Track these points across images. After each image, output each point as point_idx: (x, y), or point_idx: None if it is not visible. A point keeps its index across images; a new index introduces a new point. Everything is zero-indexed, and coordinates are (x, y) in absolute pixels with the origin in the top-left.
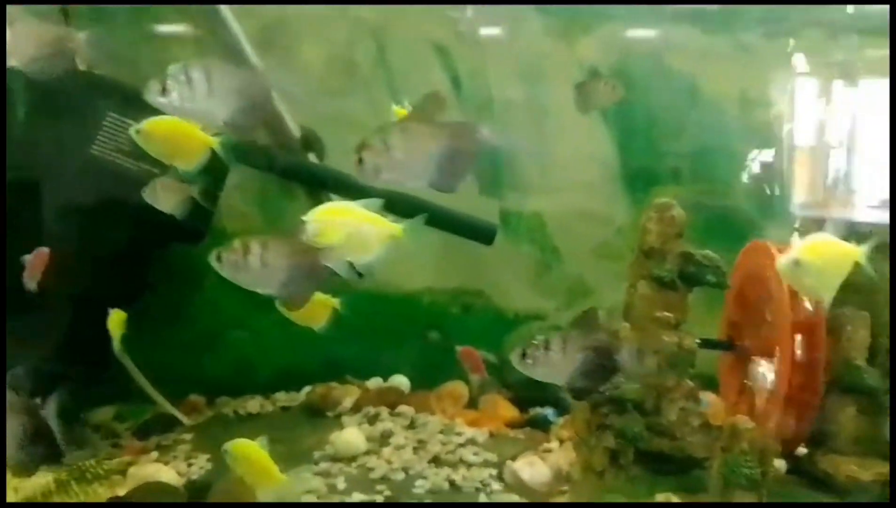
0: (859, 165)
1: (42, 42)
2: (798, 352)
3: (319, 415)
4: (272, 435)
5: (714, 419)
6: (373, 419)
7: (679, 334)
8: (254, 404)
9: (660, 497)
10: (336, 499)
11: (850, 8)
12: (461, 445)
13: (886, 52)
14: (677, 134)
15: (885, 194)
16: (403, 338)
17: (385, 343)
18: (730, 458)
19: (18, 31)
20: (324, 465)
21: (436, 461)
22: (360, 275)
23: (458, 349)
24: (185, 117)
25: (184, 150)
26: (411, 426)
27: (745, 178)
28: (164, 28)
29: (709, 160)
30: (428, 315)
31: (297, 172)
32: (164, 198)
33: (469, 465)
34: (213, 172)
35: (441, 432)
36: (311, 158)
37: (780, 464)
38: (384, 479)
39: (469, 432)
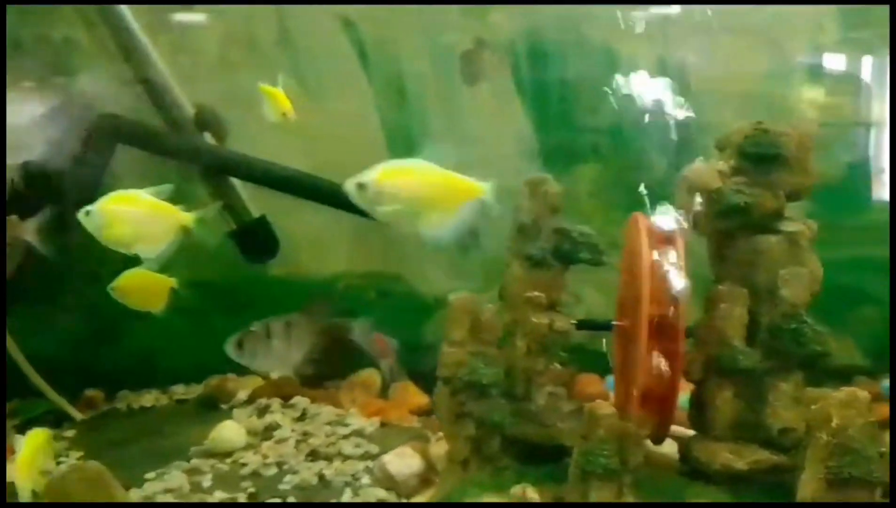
0: None
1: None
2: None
3: (214, 408)
4: (159, 430)
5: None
6: (262, 412)
7: (551, 314)
8: (149, 397)
9: (516, 490)
10: (197, 498)
11: None
12: (345, 437)
13: None
14: (596, 108)
15: None
16: None
17: None
18: (586, 446)
19: None
20: (196, 461)
21: (314, 454)
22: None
23: None
24: None
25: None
26: (302, 418)
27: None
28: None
29: (630, 134)
30: (343, 301)
31: (192, 155)
32: None
33: (346, 458)
34: None
35: (329, 423)
36: (209, 138)
37: (672, 451)
38: (254, 475)
39: (358, 423)
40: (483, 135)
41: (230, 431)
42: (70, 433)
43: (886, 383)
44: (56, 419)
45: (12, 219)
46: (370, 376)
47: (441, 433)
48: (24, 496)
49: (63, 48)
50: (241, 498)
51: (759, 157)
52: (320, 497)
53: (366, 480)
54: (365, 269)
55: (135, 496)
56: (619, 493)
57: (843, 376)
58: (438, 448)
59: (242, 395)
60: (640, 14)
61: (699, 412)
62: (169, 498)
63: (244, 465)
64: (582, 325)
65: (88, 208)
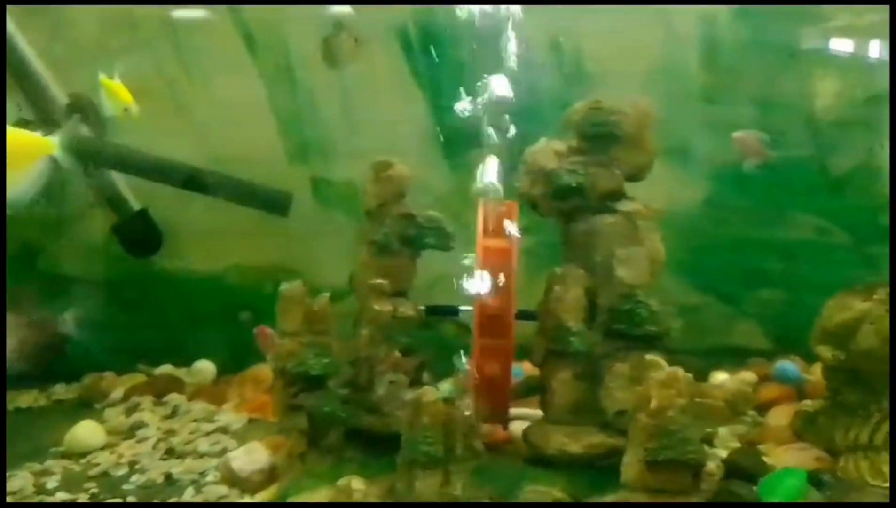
0: None
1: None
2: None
3: (89, 407)
4: (28, 432)
5: None
6: (131, 410)
7: (394, 301)
8: (27, 397)
9: (342, 482)
10: (37, 499)
11: None
12: (207, 434)
13: None
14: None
15: None
16: (210, 321)
17: (188, 327)
18: (410, 434)
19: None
20: (49, 462)
21: (170, 452)
22: None
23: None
24: None
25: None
26: (172, 415)
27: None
28: None
29: (536, 120)
30: (237, 295)
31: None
32: None
33: (201, 455)
34: None
35: (195, 420)
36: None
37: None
38: (103, 475)
39: (227, 419)
40: (379, 121)
41: (85, 431)
42: None
43: (780, 364)
44: None
45: None
46: (262, 370)
47: None
48: None
49: None
50: (83, 498)
51: (595, 135)
52: (163, 496)
53: (211, 478)
54: (259, 262)
55: None
56: (446, 481)
57: (741, 356)
58: None
59: (117, 394)
60: None
61: (542, 395)
62: (12, 499)
63: (96, 465)
64: (431, 311)
65: None
